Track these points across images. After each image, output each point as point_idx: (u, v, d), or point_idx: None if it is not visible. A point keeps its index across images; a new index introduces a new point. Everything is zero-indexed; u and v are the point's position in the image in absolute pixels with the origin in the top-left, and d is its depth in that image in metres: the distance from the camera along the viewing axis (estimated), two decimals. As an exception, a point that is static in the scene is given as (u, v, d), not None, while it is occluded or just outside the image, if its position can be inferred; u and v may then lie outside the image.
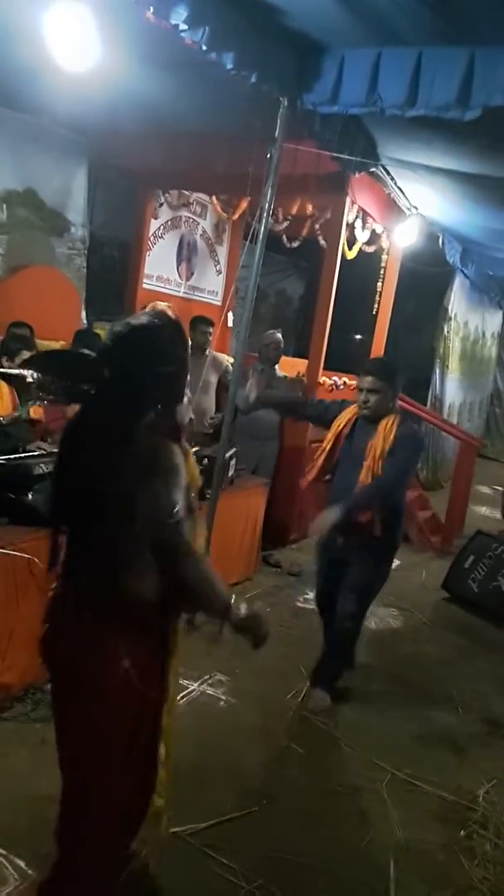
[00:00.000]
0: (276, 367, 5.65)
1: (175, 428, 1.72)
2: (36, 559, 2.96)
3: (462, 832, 2.74)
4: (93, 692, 1.70)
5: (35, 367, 1.99)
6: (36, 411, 3.93)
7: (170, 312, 1.77)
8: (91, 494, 1.66)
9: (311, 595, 4.88)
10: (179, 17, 3.05)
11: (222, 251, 7.95)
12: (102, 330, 5.89)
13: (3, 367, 3.74)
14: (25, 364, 1.80)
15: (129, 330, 1.69)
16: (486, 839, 2.71)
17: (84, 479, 1.67)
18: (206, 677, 3.50)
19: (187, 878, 2.28)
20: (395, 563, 5.96)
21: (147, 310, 1.90)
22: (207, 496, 3.89)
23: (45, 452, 3.53)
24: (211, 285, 7.89)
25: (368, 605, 3.57)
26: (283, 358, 5.94)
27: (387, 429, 3.26)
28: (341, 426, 3.43)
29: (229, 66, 3.42)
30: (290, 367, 6.33)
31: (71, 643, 1.72)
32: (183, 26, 3.08)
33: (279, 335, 5.70)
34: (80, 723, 1.76)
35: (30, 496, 3.18)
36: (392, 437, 3.24)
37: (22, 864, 2.22)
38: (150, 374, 1.66)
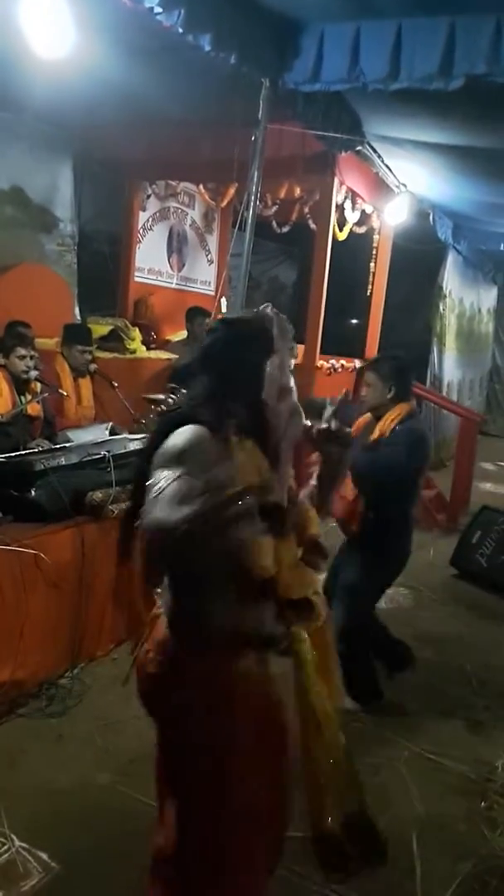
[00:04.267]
0: None
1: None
2: (42, 554, 2.96)
3: (482, 803, 2.74)
4: None
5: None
6: (33, 408, 3.92)
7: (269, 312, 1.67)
8: None
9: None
10: (153, -1, 3.01)
11: (212, 240, 7.92)
12: (96, 324, 5.87)
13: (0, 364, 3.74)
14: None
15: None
16: (506, 809, 2.71)
17: None
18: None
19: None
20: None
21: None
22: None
23: (45, 449, 3.53)
24: (203, 275, 7.86)
25: (356, 614, 3.21)
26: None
27: (385, 423, 3.10)
28: (356, 428, 3.25)
29: (207, 48, 3.39)
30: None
31: None
32: (157, 9, 3.05)
33: None
34: None
35: (33, 492, 3.18)
36: (389, 431, 3.07)
37: (45, 856, 2.23)
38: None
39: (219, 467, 1.46)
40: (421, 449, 3.14)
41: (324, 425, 1.72)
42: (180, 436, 1.50)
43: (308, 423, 1.71)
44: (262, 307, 1.69)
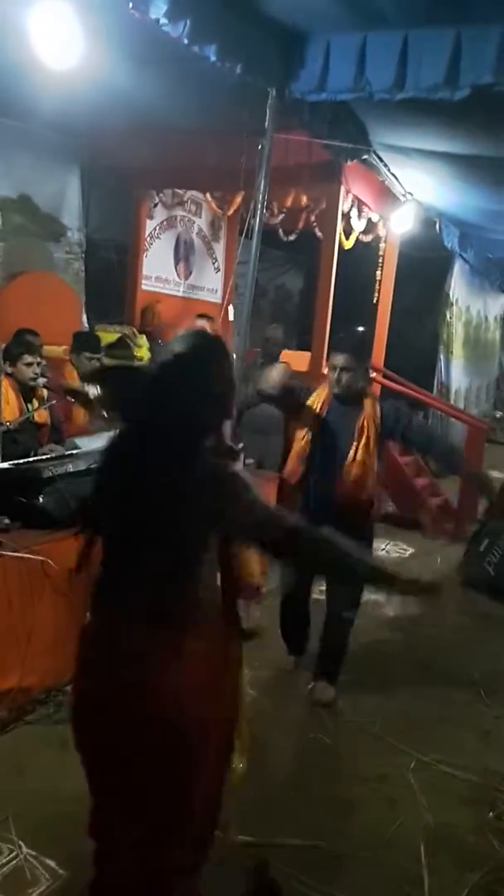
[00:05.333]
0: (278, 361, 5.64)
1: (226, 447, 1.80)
2: (50, 561, 2.96)
3: (491, 814, 2.72)
4: (178, 709, 1.63)
5: (101, 382, 1.97)
6: (41, 415, 3.94)
7: (209, 329, 1.83)
8: (159, 518, 1.63)
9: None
10: (159, 10, 3.03)
11: (219, 248, 7.95)
12: (103, 332, 5.90)
13: (7, 372, 3.75)
14: (92, 378, 1.84)
15: (178, 354, 1.68)
16: (515, 819, 2.69)
17: (147, 502, 1.64)
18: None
19: (218, 869, 2.27)
20: (410, 550, 6.05)
21: (190, 330, 1.88)
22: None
23: (53, 456, 3.54)
24: (210, 283, 7.89)
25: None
26: (287, 351, 5.93)
27: (373, 406, 3.26)
28: (318, 410, 3.32)
29: (213, 59, 3.41)
30: (293, 360, 6.29)
31: (149, 665, 1.65)
32: (163, 20, 3.06)
33: (280, 331, 5.70)
34: (168, 744, 1.65)
35: (41, 499, 3.19)
36: (379, 412, 3.24)
37: (53, 864, 2.23)
38: (204, 396, 1.65)
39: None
40: None
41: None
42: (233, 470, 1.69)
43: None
44: (184, 332, 1.82)
